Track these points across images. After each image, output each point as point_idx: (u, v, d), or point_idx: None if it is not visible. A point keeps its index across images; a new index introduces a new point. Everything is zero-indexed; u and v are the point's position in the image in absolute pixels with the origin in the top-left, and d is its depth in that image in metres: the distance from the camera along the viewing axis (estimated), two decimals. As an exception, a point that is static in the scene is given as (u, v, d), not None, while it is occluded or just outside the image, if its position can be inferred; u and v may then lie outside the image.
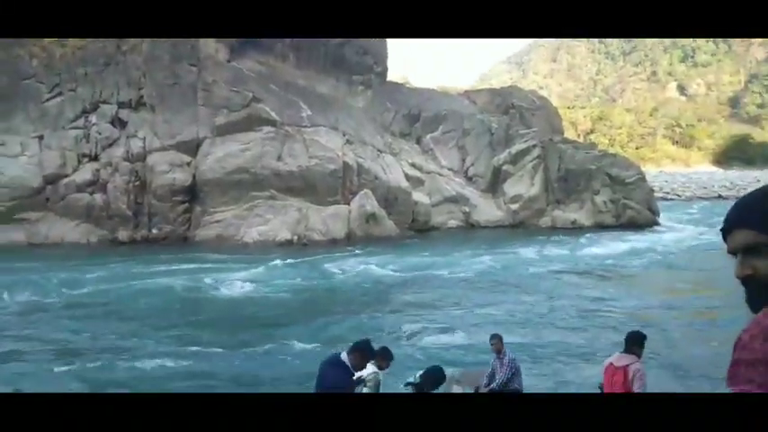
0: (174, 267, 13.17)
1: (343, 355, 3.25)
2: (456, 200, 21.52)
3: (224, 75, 20.29)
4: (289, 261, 13.73)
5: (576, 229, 19.56)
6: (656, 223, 20.19)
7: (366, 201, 17.80)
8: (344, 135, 20.35)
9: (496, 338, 5.25)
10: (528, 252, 15.05)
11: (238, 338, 8.22)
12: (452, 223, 20.99)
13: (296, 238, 16.94)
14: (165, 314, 9.59)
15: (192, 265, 13.38)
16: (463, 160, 23.39)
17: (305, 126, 19.84)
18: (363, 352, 3.23)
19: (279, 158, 18.87)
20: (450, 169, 22.97)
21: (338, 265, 13.10)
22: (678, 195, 36.44)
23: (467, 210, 21.42)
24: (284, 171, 18.67)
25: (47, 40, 21.85)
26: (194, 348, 7.68)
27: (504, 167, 22.34)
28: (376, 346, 3.41)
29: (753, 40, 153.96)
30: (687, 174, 57.35)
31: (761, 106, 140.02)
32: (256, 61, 21.82)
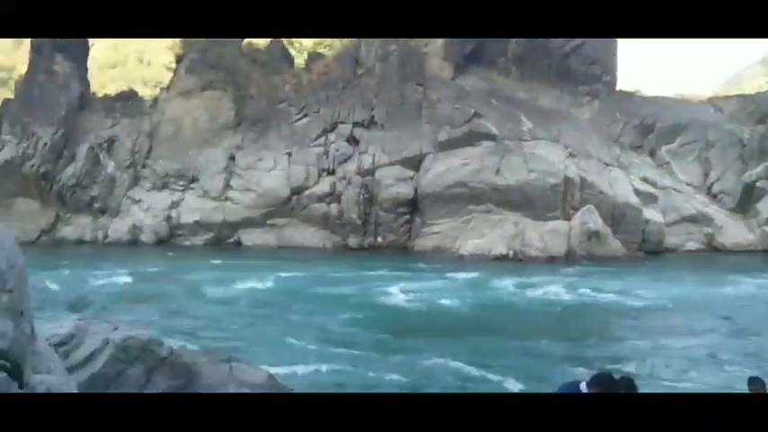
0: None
1: (583, 386, 3.10)
2: (696, 219, 19.25)
3: (448, 92, 21.04)
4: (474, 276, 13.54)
5: None
6: None
7: (589, 217, 16.87)
8: (567, 148, 19.60)
9: (758, 383, 4.44)
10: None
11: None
12: (691, 245, 18.81)
13: (511, 252, 16.74)
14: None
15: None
16: (706, 175, 20.84)
17: (525, 140, 19.58)
18: (606, 386, 3.02)
19: (497, 172, 18.91)
20: (689, 185, 20.65)
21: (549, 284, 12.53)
22: None
23: (710, 231, 19.03)
24: (502, 185, 18.63)
25: (297, 67, 25.10)
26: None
27: (759, 184, 19.37)
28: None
29: None
30: None
31: None
32: (479, 77, 22.21)
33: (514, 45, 23.07)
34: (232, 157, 21.93)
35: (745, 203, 19.52)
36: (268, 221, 20.81)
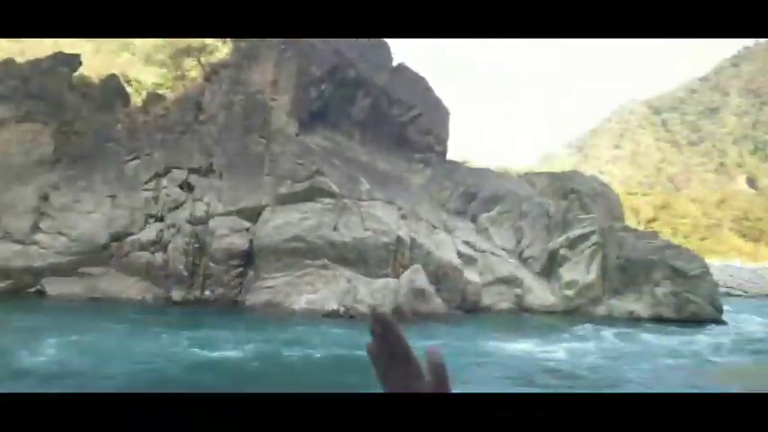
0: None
1: None
2: (509, 281, 21.17)
3: (291, 147, 21.26)
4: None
5: (633, 320, 18.77)
6: (720, 320, 19.12)
7: (416, 276, 17.79)
8: (400, 209, 20.67)
9: None
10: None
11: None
12: (503, 305, 20.56)
13: (342, 308, 16.99)
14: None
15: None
16: (518, 241, 23.18)
17: (363, 199, 20.32)
18: None
19: (335, 229, 19.29)
20: (504, 249, 22.77)
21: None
22: (745, 291, 34.47)
23: (519, 292, 21.00)
24: (339, 241, 19.02)
25: (133, 106, 23.75)
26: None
27: (561, 251, 21.96)
28: None
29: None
30: (755, 269, 54.40)
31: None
32: (323, 136, 22.82)
33: (358, 111, 24.21)
34: (45, 197, 19.80)
35: (549, 269, 21.96)
36: (80, 269, 18.86)
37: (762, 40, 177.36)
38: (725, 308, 20.08)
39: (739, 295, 32.56)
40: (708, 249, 63.27)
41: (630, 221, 58.42)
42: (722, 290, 28.37)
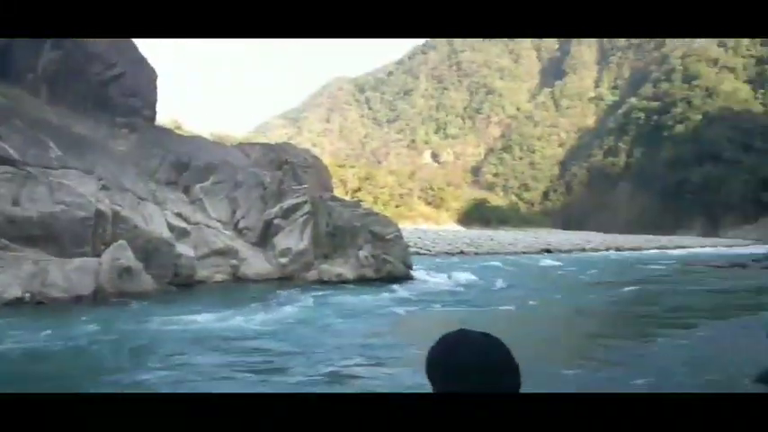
0: None
1: None
2: (224, 252, 20.96)
3: (-53, 101, 17.19)
4: None
5: (341, 282, 20.44)
6: (410, 276, 22.12)
7: (121, 253, 16.32)
8: (101, 180, 18.59)
9: None
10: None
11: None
12: (219, 277, 20.33)
13: (28, 295, 14.68)
14: None
15: None
16: (234, 212, 23.03)
17: (52, 168, 17.66)
18: None
19: (15, 203, 16.40)
20: (219, 221, 22.39)
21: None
22: (429, 250, 40.52)
23: (235, 263, 20.98)
24: (21, 217, 16.24)
25: None
26: None
27: (276, 221, 22.55)
28: None
29: (491, 119, 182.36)
30: (437, 231, 64.21)
31: (496, 175, 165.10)
32: (1, 93, 19.01)
33: (47, 62, 20.79)
34: None
35: (264, 238, 22.40)
36: None
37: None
38: (414, 266, 23.29)
39: (425, 254, 38.05)
40: (401, 215, 72.41)
41: (339, 191, 63.18)
42: (412, 250, 32.84)
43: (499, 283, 21.08)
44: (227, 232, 21.95)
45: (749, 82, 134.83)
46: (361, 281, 20.72)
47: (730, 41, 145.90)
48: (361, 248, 21.96)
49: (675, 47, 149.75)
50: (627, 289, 19.61)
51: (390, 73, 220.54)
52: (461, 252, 42.77)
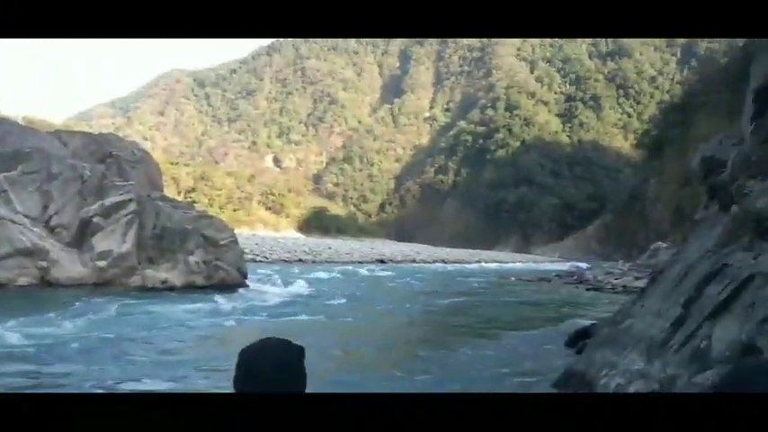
0: None
1: None
2: (31, 252, 18.61)
3: None
4: None
5: (165, 289, 19.20)
6: (245, 284, 21.48)
7: None
8: None
9: None
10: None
11: None
12: (24, 280, 17.99)
13: None
14: None
15: None
16: (46, 207, 20.55)
17: None
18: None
19: None
20: (27, 216, 19.83)
21: None
22: (266, 257, 39.82)
23: (45, 264, 18.73)
24: None
25: None
26: None
27: (95, 220, 20.55)
28: None
29: (334, 128, 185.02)
30: (276, 238, 63.43)
31: (336, 185, 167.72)
32: None
33: None
34: None
35: (80, 238, 20.29)
36: None
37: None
38: (250, 274, 22.66)
39: (261, 261, 37.29)
40: (239, 220, 70.27)
41: (171, 190, 59.58)
42: (248, 257, 31.95)
43: (334, 293, 21.31)
44: (35, 229, 19.50)
45: (559, 116, 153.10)
46: (191, 288, 19.66)
47: (546, 78, 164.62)
48: (191, 253, 20.85)
49: (500, 78, 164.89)
50: (448, 300, 20.96)
51: (233, 71, 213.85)
52: (299, 260, 42.65)
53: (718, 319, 7.22)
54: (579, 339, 10.63)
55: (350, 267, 39.07)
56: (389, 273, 35.50)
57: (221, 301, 16.71)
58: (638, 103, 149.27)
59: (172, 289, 19.32)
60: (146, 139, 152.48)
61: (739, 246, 7.66)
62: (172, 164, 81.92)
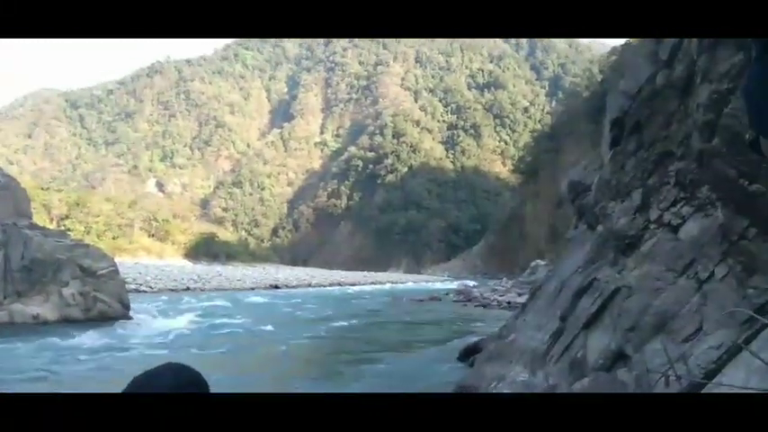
0: None
1: None
2: None
3: None
4: None
5: (39, 324, 17.62)
6: (128, 316, 20.21)
7: None
8: None
9: None
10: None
11: None
12: None
13: None
14: None
15: None
16: None
17: None
18: None
19: None
20: None
21: None
22: (151, 287, 37.68)
23: None
24: None
25: None
26: None
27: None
28: None
29: (221, 152, 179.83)
30: (160, 266, 60.26)
31: (225, 210, 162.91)
32: None
33: None
34: None
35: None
36: None
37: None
38: (133, 305, 21.30)
39: (146, 291, 35.20)
40: (119, 248, 65.99)
41: (42, 218, 54.89)
42: (131, 287, 30.05)
43: (222, 322, 20.61)
44: None
45: (442, 143, 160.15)
46: (67, 322, 18.17)
47: (429, 107, 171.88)
48: (66, 285, 19.31)
49: (386, 106, 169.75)
50: (339, 324, 21.04)
51: (110, 91, 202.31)
52: (187, 288, 40.75)
53: (591, 330, 7.91)
54: (469, 354, 11.13)
55: (241, 294, 37.97)
56: (280, 300, 34.86)
57: (92, 335, 15.48)
58: (514, 131, 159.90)
59: (45, 323, 17.76)
60: (11, 163, 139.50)
61: (606, 261, 8.48)
62: (42, 189, 75.50)
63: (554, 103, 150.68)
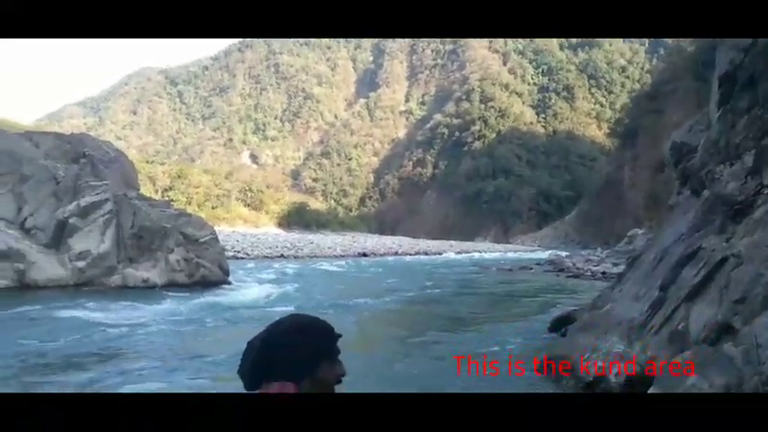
0: None
1: None
2: (7, 255, 18.29)
3: None
4: None
5: (148, 288, 19.06)
6: (227, 281, 21.39)
7: None
8: None
9: None
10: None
11: None
12: (1, 283, 17.69)
13: None
14: None
15: None
16: (20, 209, 20.20)
17: None
18: None
19: None
20: (1, 219, 19.48)
21: None
22: (248, 254, 39.62)
23: (21, 267, 18.42)
24: None
25: None
26: None
27: (72, 221, 20.25)
28: None
29: (310, 124, 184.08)
30: (257, 234, 63.09)
31: (315, 180, 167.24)
32: None
33: None
34: None
35: (57, 239, 19.99)
36: None
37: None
38: (231, 269, 22.56)
39: (243, 258, 37.09)
40: (218, 217, 69.70)
41: (148, 189, 58.80)
42: (229, 254, 31.76)
43: (318, 287, 21.32)
44: (10, 232, 19.16)
45: (533, 106, 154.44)
46: (173, 286, 19.53)
47: (518, 69, 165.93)
48: (171, 251, 20.68)
49: (473, 70, 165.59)
50: (437, 290, 21.15)
51: (205, 68, 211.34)
52: (282, 255, 42.50)
53: (695, 301, 7.46)
54: (561, 325, 10.85)
55: (340, 261, 39.09)
56: (379, 269, 35.49)
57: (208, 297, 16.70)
58: (610, 92, 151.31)
59: (153, 287, 19.18)
60: (119, 139, 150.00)
61: (712, 229, 7.91)
62: (147, 162, 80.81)
63: (655, 60, 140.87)
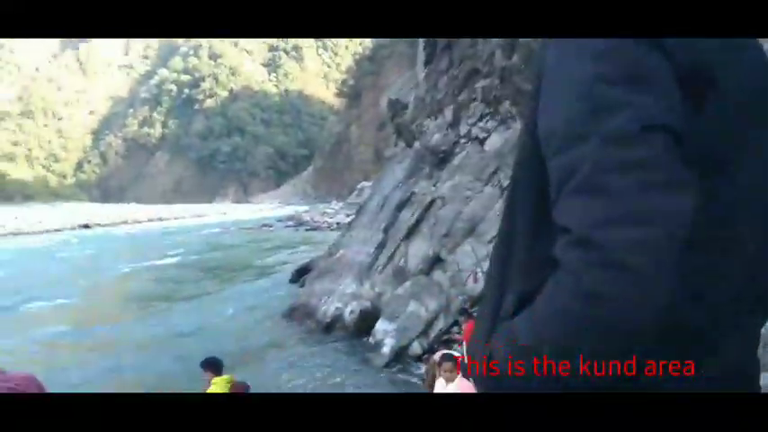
0: None
1: None
2: None
3: None
4: None
5: None
6: None
7: None
8: None
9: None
10: None
11: None
12: None
13: None
14: None
15: None
16: None
17: None
18: None
19: None
20: None
21: None
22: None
23: None
24: None
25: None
26: None
27: None
28: None
29: (3, 78, 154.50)
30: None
31: (15, 144, 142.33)
32: None
33: None
34: None
35: None
36: None
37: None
38: None
39: None
40: None
41: None
42: None
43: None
44: None
45: (264, 65, 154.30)
46: None
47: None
48: None
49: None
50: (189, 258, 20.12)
51: None
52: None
53: (411, 239, 8.50)
54: (301, 275, 11.37)
55: (46, 235, 34.19)
56: (93, 243, 32.06)
57: None
58: (336, 53, 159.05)
59: None
60: None
61: (422, 175, 9.05)
62: None
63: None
